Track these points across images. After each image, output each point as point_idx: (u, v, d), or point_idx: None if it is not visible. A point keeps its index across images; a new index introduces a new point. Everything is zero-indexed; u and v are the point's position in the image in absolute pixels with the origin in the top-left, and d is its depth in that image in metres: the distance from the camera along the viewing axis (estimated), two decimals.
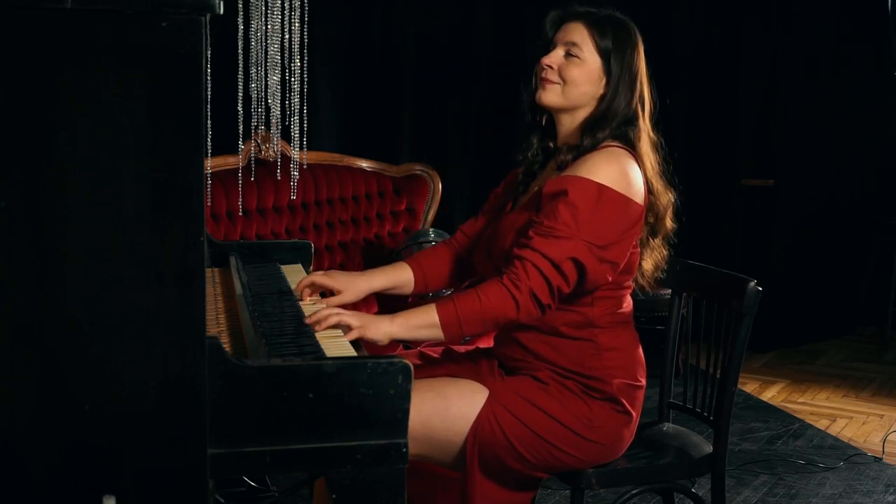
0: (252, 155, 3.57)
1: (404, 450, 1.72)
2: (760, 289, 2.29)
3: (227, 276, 2.54)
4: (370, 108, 4.75)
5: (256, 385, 1.66)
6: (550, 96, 2.20)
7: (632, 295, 2.27)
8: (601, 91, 2.20)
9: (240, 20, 2.60)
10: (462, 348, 2.39)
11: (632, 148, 2.18)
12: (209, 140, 2.31)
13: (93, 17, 1.54)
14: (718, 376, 2.37)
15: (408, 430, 1.73)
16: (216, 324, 2.08)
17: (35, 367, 1.58)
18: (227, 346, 1.86)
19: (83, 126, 1.55)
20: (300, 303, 2.24)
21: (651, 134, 2.23)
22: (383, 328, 2.04)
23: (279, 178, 3.39)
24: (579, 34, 2.19)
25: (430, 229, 4.07)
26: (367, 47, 4.66)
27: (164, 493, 1.63)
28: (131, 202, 1.57)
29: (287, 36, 2.64)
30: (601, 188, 2.07)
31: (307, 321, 2.01)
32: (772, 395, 4.52)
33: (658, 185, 2.22)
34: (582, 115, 2.22)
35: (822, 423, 4.11)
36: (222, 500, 2.87)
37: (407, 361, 1.72)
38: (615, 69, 2.18)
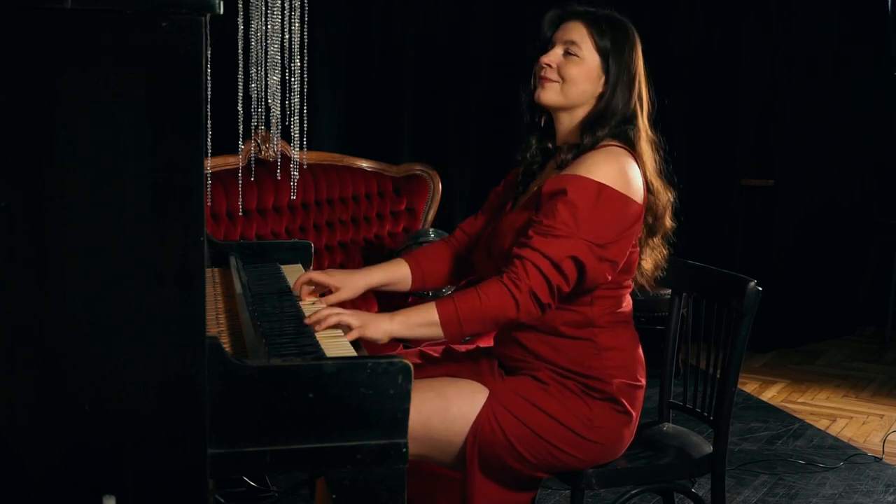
0: (252, 155, 3.57)
1: (404, 450, 1.72)
2: (760, 289, 2.29)
3: (227, 276, 2.54)
4: (370, 108, 4.75)
5: (256, 385, 1.66)
6: (549, 95, 2.20)
7: (632, 295, 2.27)
8: (600, 89, 2.20)
9: (240, 20, 2.60)
10: (462, 347, 2.40)
11: (631, 147, 2.18)
12: (209, 140, 2.31)
13: (93, 17, 1.54)
14: (718, 376, 2.37)
15: (408, 430, 1.73)
16: (216, 324, 2.08)
17: (35, 367, 1.58)
18: (227, 346, 1.86)
19: (83, 126, 1.55)
20: (300, 303, 2.24)
21: (650, 133, 2.24)
22: (383, 327, 2.04)
23: (279, 178, 3.39)
24: (578, 33, 2.20)
25: (430, 229, 4.07)
26: (367, 47, 4.66)
27: (164, 493, 1.63)
28: (131, 202, 1.57)
29: (287, 36, 2.64)
30: (600, 187, 2.07)
31: (307, 321, 2.02)
32: (772, 395, 4.52)
33: (657, 184, 2.22)
34: (581, 113, 2.22)
35: (822, 423, 4.11)
36: (222, 500, 2.87)
37: (407, 361, 1.72)
38: (614, 68, 2.18)
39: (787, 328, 5.25)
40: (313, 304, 2.26)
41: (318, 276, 2.31)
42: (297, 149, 2.72)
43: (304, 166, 2.99)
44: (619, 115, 2.19)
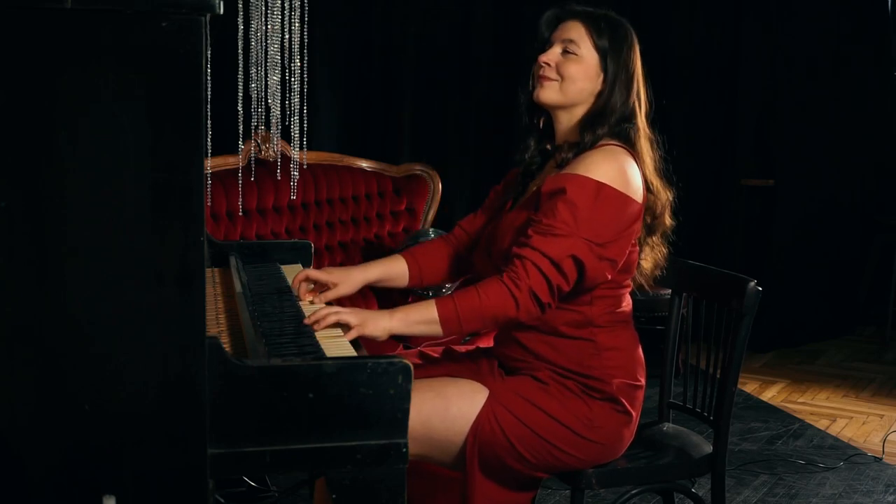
0: (252, 155, 3.57)
1: (404, 450, 1.72)
2: (760, 289, 2.29)
3: (227, 276, 2.54)
4: (370, 108, 4.75)
5: (256, 385, 1.66)
6: (548, 93, 2.20)
7: (632, 295, 2.28)
8: (599, 87, 2.20)
9: (240, 20, 2.60)
10: (462, 348, 2.40)
11: (630, 146, 2.18)
12: (209, 140, 2.31)
13: (93, 17, 1.54)
14: (718, 376, 2.37)
15: (408, 430, 1.73)
16: (216, 324, 2.08)
17: (35, 367, 1.58)
18: (227, 346, 1.86)
19: (83, 126, 1.55)
20: (300, 302, 2.24)
21: (648, 132, 2.24)
22: (382, 324, 2.04)
23: (279, 178, 3.39)
24: (576, 32, 2.20)
25: (430, 229, 4.07)
26: (367, 47, 4.66)
27: (164, 493, 1.63)
28: (131, 202, 1.57)
29: (287, 36, 2.64)
30: (599, 186, 2.07)
31: (306, 321, 2.02)
32: (772, 395, 4.52)
33: (657, 183, 2.22)
34: (579, 112, 2.22)
35: (822, 423, 4.11)
36: (222, 500, 2.87)
37: (407, 361, 1.72)
38: (612, 66, 2.19)
39: (787, 328, 5.25)
40: (311, 302, 2.26)
41: (315, 273, 2.32)
42: (297, 149, 2.72)
43: (304, 166, 2.99)
44: (618, 114, 2.19)
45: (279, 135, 2.85)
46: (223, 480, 2.88)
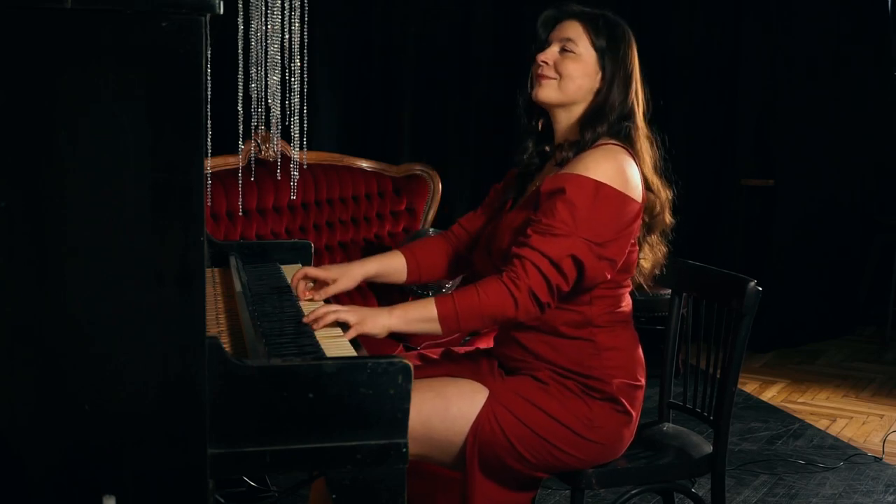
0: (252, 155, 3.57)
1: (404, 450, 1.72)
2: (760, 289, 2.29)
3: (227, 276, 2.54)
4: (370, 108, 4.75)
5: (256, 385, 1.66)
6: (547, 92, 2.21)
7: (631, 295, 2.28)
8: (597, 85, 2.20)
9: (240, 20, 2.60)
10: (461, 349, 2.40)
11: (629, 145, 2.18)
12: (209, 140, 2.31)
13: (93, 17, 1.54)
14: (718, 376, 2.37)
15: (408, 430, 1.73)
16: (216, 324, 2.08)
17: (35, 367, 1.58)
18: (227, 346, 1.86)
19: (83, 126, 1.55)
20: (299, 302, 2.24)
21: (647, 131, 2.24)
22: (381, 321, 2.04)
23: (279, 178, 3.39)
24: (574, 30, 2.20)
25: (430, 229, 4.07)
26: (367, 47, 4.66)
27: (164, 493, 1.63)
28: (131, 202, 1.57)
29: (287, 36, 2.64)
30: (598, 185, 2.07)
31: (304, 320, 2.02)
32: (772, 395, 4.52)
33: (657, 181, 2.22)
34: (578, 110, 2.22)
35: (822, 423, 4.11)
36: (222, 500, 2.86)
37: (407, 361, 1.72)
38: (610, 63, 2.19)
39: (787, 328, 5.25)
40: (312, 300, 2.27)
41: (313, 271, 2.32)
42: (297, 149, 2.72)
43: (304, 166, 2.99)
44: (617, 112, 2.19)
45: (279, 135, 2.85)
46: (223, 480, 2.87)
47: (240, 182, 3.12)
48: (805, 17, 5.19)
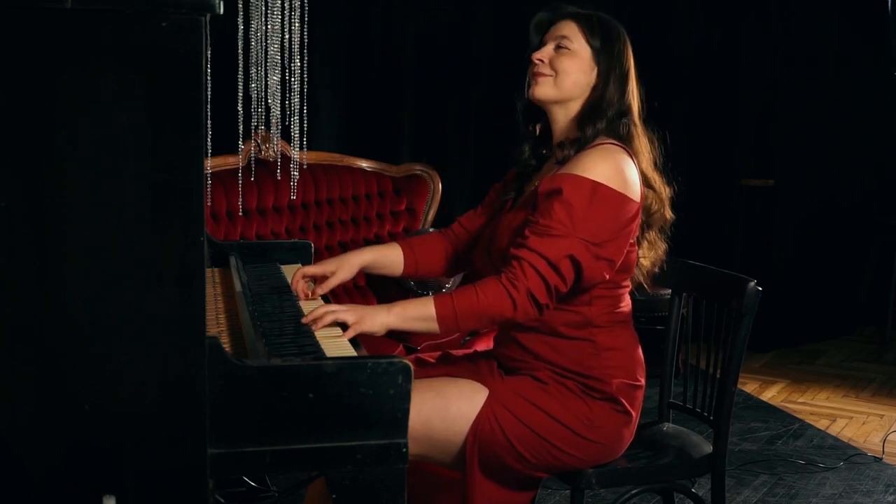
0: (252, 155, 3.57)
1: (404, 450, 1.72)
2: (760, 289, 2.29)
3: (227, 276, 2.54)
4: (370, 108, 4.74)
5: (256, 385, 1.66)
6: (543, 89, 2.21)
7: (631, 295, 2.27)
8: (593, 81, 2.20)
9: (240, 20, 2.60)
10: (460, 351, 2.40)
11: (627, 144, 2.18)
12: (209, 140, 2.31)
13: (93, 17, 1.54)
14: (718, 376, 2.37)
15: (408, 430, 1.73)
16: (216, 324, 2.09)
17: (35, 367, 1.58)
18: (227, 346, 1.86)
19: (83, 126, 1.55)
20: (300, 302, 2.24)
21: (645, 129, 2.24)
22: (379, 320, 2.05)
23: (279, 178, 3.39)
24: (569, 29, 2.22)
25: (430, 229, 4.07)
26: (367, 47, 4.66)
27: (164, 493, 1.63)
28: (131, 202, 1.57)
29: (287, 36, 2.64)
30: (596, 185, 2.07)
31: (303, 321, 2.02)
32: (772, 395, 4.52)
33: (657, 178, 2.23)
34: (575, 107, 2.22)
35: (822, 423, 4.12)
36: (222, 500, 2.86)
37: (407, 361, 1.72)
38: (606, 59, 2.20)
39: (787, 328, 5.25)
40: (312, 294, 2.27)
41: (310, 269, 2.33)
42: (297, 149, 2.72)
43: (304, 166, 2.99)
44: (615, 108, 2.19)
45: (279, 135, 2.85)
46: (223, 480, 2.87)
47: (240, 182, 3.13)
48: (805, 17, 5.19)
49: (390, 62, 4.73)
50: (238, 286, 2.29)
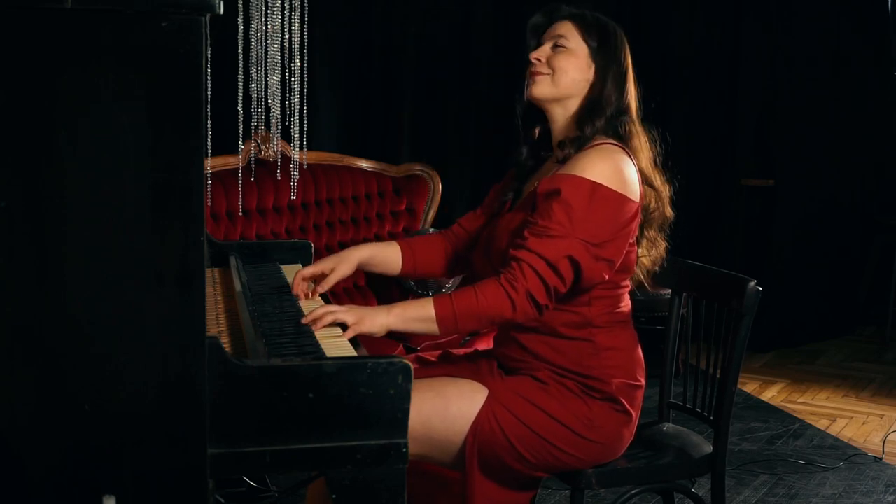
0: (252, 155, 3.57)
1: (404, 450, 1.72)
2: (760, 289, 2.29)
3: (227, 276, 2.54)
4: (370, 108, 4.75)
5: (256, 385, 1.66)
6: (541, 87, 2.21)
7: (631, 295, 2.27)
8: (590, 78, 2.21)
9: (240, 20, 2.60)
10: (461, 351, 2.40)
11: (626, 143, 2.18)
12: (209, 140, 2.31)
13: (93, 17, 1.54)
14: (718, 376, 2.37)
15: (408, 430, 1.73)
16: (216, 324, 2.09)
17: (35, 367, 1.58)
18: (227, 346, 1.86)
19: (83, 126, 1.55)
20: (300, 302, 2.24)
21: (644, 128, 2.24)
22: (379, 320, 2.05)
23: (279, 178, 3.39)
24: (565, 28, 2.22)
25: (430, 229, 4.07)
26: (367, 47, 4.66)
27: (164, 493, 1.63)
28: (131, 202, 1.57)
29: (287, 36, 2.64)
30: (595, 186, 2.07)
31: (303, 321, 2.02)
32: (772, 395, 4.52)
33: (658, 177, 2.23)
34: (573, 105, 2.22)
35: (822, 423, 4.12)
36: (222, 500, 2.86)
37: (407, 361, 1.72)
38: (603, 57, 2.20)
39: (787, 328, 5.25)
40: (313, 293, 2.27)
41: (308, 270, 2.34)
42: (297, 149, 2.72)
43: (304, 166, 2.99)
44: (613, 106, 2.19)
45: (279, 135, 2.85)
46: (223, 480, 2.87)
47: (240, 182, 3.13)
48: (805, 17, 5.19)
49: (390, 62, 4.73)
50: (238, 286, 2.29)
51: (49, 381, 1.58)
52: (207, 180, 2.40)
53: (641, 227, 2.22)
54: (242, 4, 2.59)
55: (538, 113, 2.28)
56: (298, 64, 2.64)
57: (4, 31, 1.52)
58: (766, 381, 4.73)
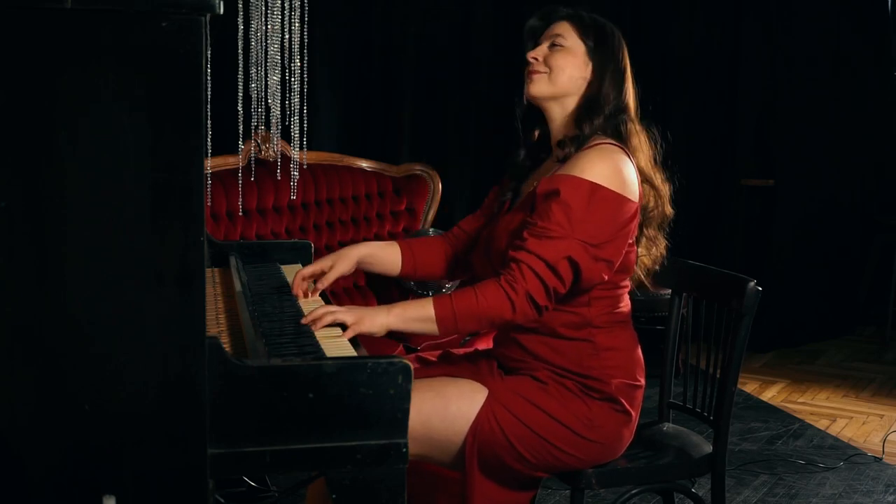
0: (252, 155, 3.57)
1: (404, 450, 1.72)
2: (760, 289, 2.29)
3: (227, 276, 2.54)
4: (370, 108, 4.75)
5: (256, 385, 1.66)
6: (538, 86, 2.21)
7: (631, 295, 2.27)
8: (588, 76, 2.21)
9: (240, 20, 2.60)
10: (461, 351, 2.40)
11: (624, 142, 2.18)
12: (209, 140, 2.31)
13: (93, 17, 1.54)
14: (718, 376, 2.37)
15: (408, 430, 1.73)
16: (216, 324, 2.09)
17: (35, 367, 1.58)
18: (227, 346, 1.86)
19: (83, 126, 1.55)
20: (300, 302, 2.24)
21: (643, 127, 2.24)
22: (379, 320, 2.05)
23: (279, 178, 3.39)
24: (562, 28, 2.23)
25: (430, 229, 4.07)
26: (367, 47, 4.66)
27: (164, 493, 1.63)
28: (131, 202, 1.57)
29: (287, 36, 2.64)
30: (593, 186, 2.07)
31: (303, 322, 2.02)
32: (772, 395, 4.52)
33: (658, 175, 2.23)
34: (571, 103, 2.22)
35: (822, 423, 4.11)
36: (222, 500, 2.86)
37: (407, 361, 1.72)
38: (600, 55, 2.21)
39: (787, 328, 5.25)
40: (312, 291, 2.27)
41: (307, 269, 2.34)
42: (297, 149, 2.72)
43: (304, 166, 2.99)
44: (611, 105, 2.19)
45: (279, 135, 2.85)
46: (223, 480, 2.87)
47: (240, 182, 3.13)
48: (805, 17, 5.19)
49: (390, 62, 4.73)
50: (238, 286, 2.29)
51: (49, 381, 1.58)
52: (207, 180, 2.40)
53: (641, 227, 2.22)
54: (242, 4, 2.59)
55: (537, 115, 2.28)
56: (298, 64, 2.64)
57: (4, 31, 1.52)
58: (766, 381, 4.73)
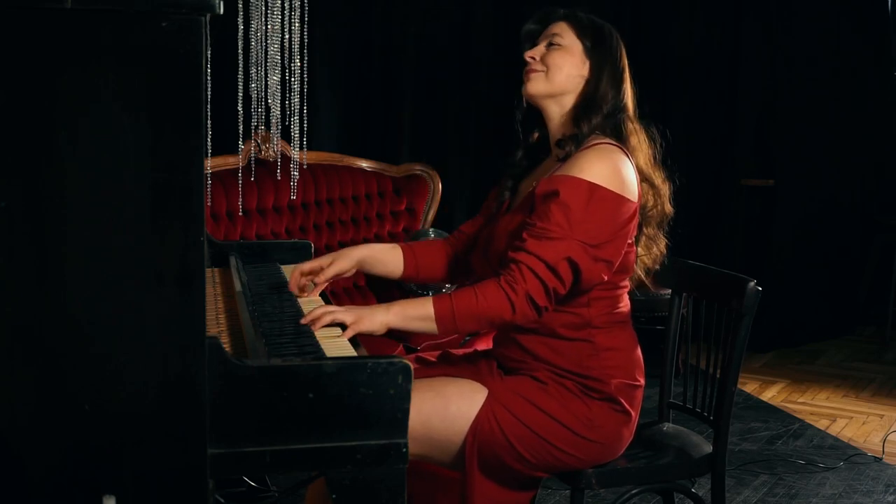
0: (252, 155, 3.57)
1: (404, 450, 1.72)
2: (760, 289, 2.29)
3: (227, 276, 2.54)
4: (370, 108, 4.75)
5: (256, 385, 1.66)
6: (536, 85, 2.21)
7: (631, 295, 2.27)
8: (586, 74, 2.21)
9: (240, 20, 2.60)
10: (460, 351, 2.40)
11: (623, 142, 2.18)
12: (209, 140, 2.31)
13: (93, 17, 1.54)
14: (718, 376, 2.37)
15: (408, 429, 1.73)
16: (216, 324, 2.09)
17: (35, 367, 1.58)
18: (227, 346, 1.86)
19: (83, 126, 1.55)
20: (299, 301, 2.24)
21: (642, 126, 2.24)
22: (378, 318, 2.05)
23: (279, 178, 3.40)
24: (560, 28, 2.24)
25: (430, 229, 4.07)
26: (367, 47, 4.66)
27: (164, 493, 1.63)
28: (131, 202, 1.57)
29: (287, 36, 2.64)
30: (593, 187, 2.07)
31: (302, 321, 2.02)
32: (772, 395, 4.52)
33: (658, 175, 2.23)
34: (569, 102, 2.22)
35: (822, 423, 4.12)
36: (222, 500, 2.86)
37: (407, 361, 1.72)
38: (598, 54, 2.21)
39: (787, 328, 5.25)
40: (311, 299, 2.27)
41: (305, 265, 2.34)
42: (297, 149, 2.72)
43: (304, 166, 2.99)
44: (610, 104, 2.19)
45: (279, 135, 2.85)
46: (223, 480, 2.87)
47: (240, 182, 3.13)
48: (805, 17, 5.19)
49: (390, 62, 4.73)
50: (238, 286, 2.29)
51: (49, 381, 1.58)
52: (207, 180, 2.40)
53: (640, 226, 2.22)
54: (242, 4, 2.59)
55: (536, 116, 2.28)
56: (298, 64, 2.64)
57: (4, 31, 1.52)
58: (766, 381, 4.73)
